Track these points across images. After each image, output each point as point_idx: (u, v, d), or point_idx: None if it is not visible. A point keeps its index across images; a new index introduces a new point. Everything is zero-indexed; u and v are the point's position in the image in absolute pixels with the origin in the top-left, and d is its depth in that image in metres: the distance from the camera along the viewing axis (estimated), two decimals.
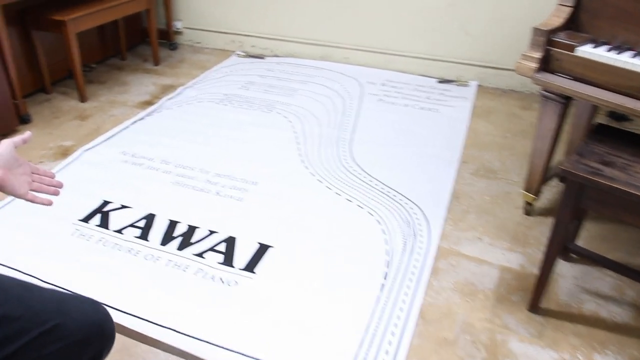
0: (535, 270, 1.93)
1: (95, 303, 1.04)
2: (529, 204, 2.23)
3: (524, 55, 1.89)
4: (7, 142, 1.05)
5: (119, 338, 1.65)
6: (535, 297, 1.75)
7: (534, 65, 1.87)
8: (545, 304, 1.79)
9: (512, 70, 3.32)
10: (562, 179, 1.44)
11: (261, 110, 3.07)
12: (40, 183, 1.14)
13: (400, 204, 2.26)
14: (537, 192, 2.18)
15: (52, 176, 1.18)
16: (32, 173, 1.13)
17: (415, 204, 2.27)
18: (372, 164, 2.55)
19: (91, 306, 1.02)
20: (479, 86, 3.46)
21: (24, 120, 2.83)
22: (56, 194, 1.17)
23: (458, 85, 3.46)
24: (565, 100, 1.93)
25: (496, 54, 3.38)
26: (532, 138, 2.12)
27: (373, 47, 3.69)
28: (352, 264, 1.92)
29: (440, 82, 3.51)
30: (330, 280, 1.85)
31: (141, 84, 3.44)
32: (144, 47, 4.07)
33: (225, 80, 3.50)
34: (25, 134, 1.13)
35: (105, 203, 2.20)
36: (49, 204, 1.15)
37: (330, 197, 2.30)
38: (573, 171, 1.50)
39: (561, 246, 1.66)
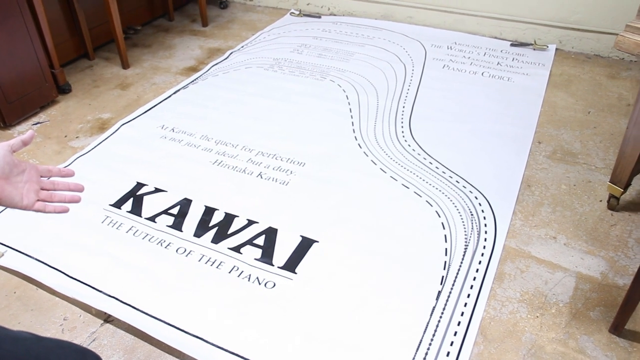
0: (619, 280, 1.65)
1: (84, 353, 0.87)
2: (614, 197, 1.92)
3: (629, 26, 1.54)
4: (1, 146, 0.88)
5: (142, 347, 1.51)
6: (621, 316, 1.48)
7: None
8: (631, 324, 1.51)
9: (599, 32, 2.95)
10: None
11: (313, 78, 2.83)
12: (53, 189, 0.96)
13: (462, 192, 2.00)
14: (626, 186, 1.86)
15: (70, 174, 0.99)
16: (42, 177, 0.95)
17: (480, 191, 2.01)
18: (433, 143, 2.29)
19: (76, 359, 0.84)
20: (558, 51, 3.07)
21: (63, 90, 2.69)
22: (74, 201, 0.98)
23: (534, 49, 3.08)
24: None
25: (581, 13, 2.98)
26: (624, 119, 1.79)
27: (440, 5, 3.36)
28: (406, 266, 1.70)
29: (513, 45, 3.14)
30: (379, 285, 1.64)
31: (187, 48, 3.25)
32: (193, 6, 3.86)
33: (277, 43, 3.26)
34: (27, 133, 0.95)
35: (139, 186, 2.05)
36: (64, 211, 0.97)
37: (385, 182, 2.06)
38: None
39: None
